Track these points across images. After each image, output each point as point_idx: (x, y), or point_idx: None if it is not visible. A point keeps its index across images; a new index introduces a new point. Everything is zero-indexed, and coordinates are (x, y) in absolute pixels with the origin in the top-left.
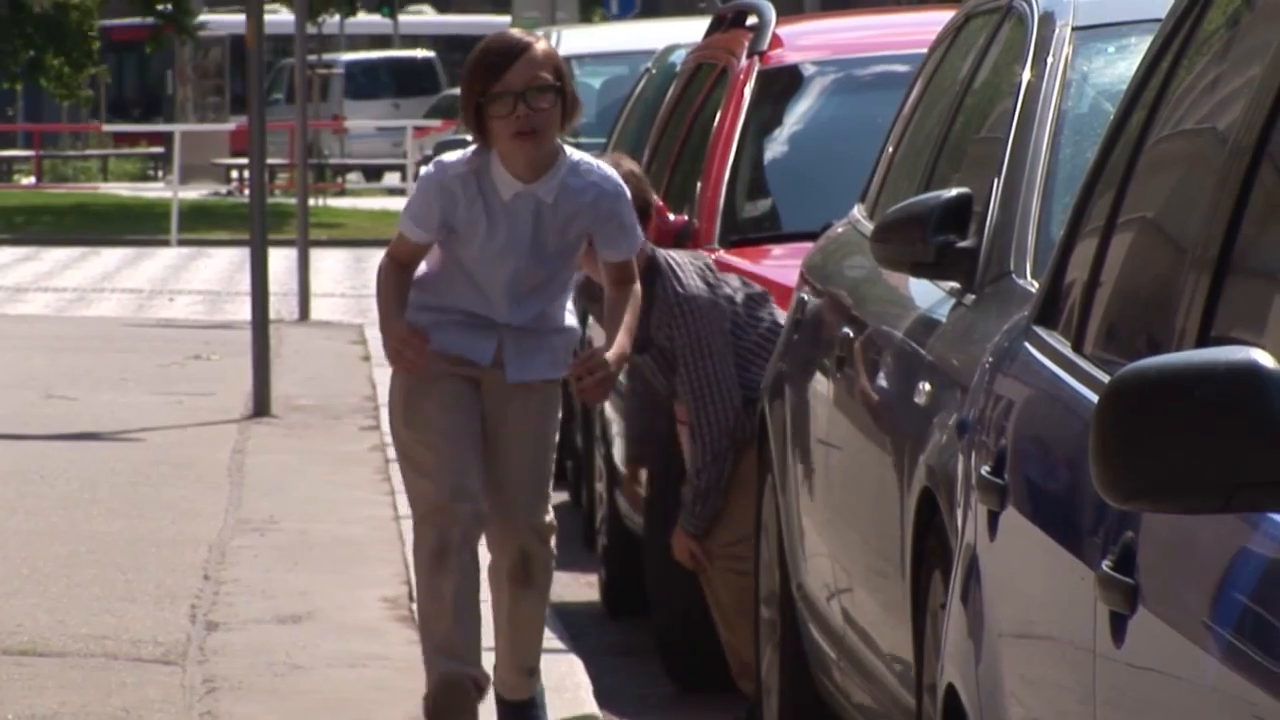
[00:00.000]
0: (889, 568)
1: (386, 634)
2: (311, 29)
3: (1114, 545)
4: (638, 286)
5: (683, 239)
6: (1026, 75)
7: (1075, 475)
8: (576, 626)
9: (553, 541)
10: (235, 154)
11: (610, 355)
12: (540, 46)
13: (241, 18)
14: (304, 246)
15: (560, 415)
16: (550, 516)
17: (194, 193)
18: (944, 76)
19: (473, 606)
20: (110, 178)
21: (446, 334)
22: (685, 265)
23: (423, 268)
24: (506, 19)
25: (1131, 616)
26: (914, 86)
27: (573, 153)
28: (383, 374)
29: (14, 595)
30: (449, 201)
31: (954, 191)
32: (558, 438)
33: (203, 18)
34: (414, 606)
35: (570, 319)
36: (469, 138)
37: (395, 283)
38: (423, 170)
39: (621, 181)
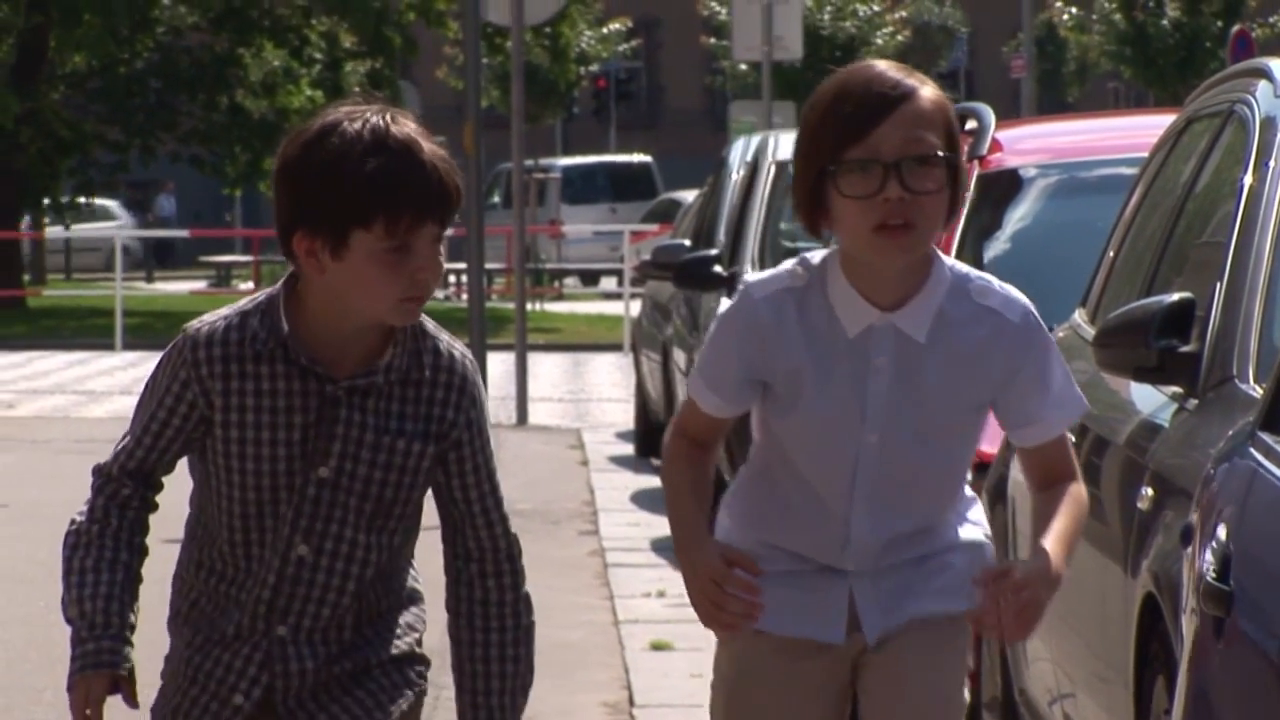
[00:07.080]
0: (1112, 673)
1: None
2: None
3: None
4: (1081, 487)
5: None
6: (1248, 179)
7: None
8: None
9: None
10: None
11: (1034, 570)
12: (927, 93)
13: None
14: (522, 351)
15: (970, 660)
16: None
17: None
18: (1165, 180)
19: None
20: None
21: (769, 598)
22: None
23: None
24: None
25: None
26: (1135, 190)
27: (954, 264)
28: (601, 479)
29: None
30: (755, 344)
31: (1176, 296)
32: (967, 694)
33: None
34: (634, 712)
35: (977, 531)
36: (686, 241)
37: (689, 476)
38: (723, 303)
39: (1033, 309)
